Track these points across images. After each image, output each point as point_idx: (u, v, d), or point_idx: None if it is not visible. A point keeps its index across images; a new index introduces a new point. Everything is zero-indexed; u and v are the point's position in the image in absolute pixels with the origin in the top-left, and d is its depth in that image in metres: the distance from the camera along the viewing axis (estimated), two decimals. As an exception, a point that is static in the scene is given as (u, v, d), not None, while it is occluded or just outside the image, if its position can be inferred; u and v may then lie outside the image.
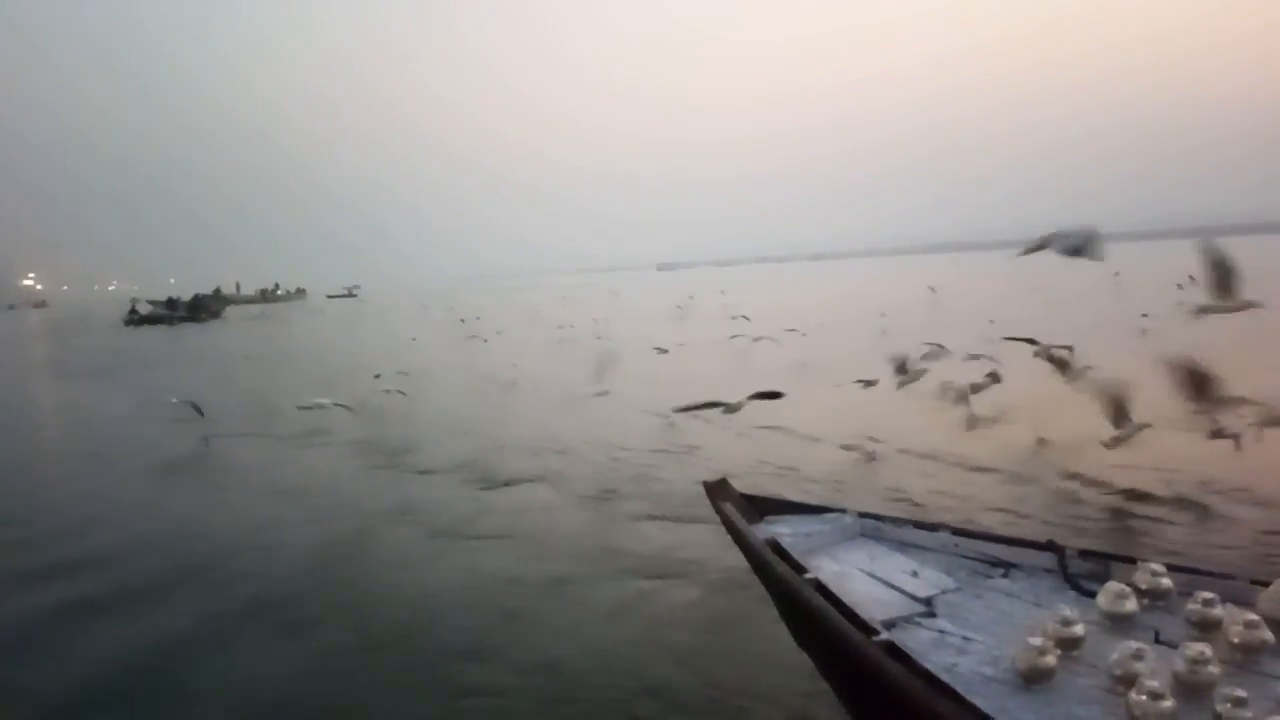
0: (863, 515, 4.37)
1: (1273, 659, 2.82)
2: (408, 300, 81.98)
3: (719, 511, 4.27)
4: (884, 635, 3.06)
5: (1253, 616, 2.91)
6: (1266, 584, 3.15)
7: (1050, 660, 2.82)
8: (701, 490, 4.56)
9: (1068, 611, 3.07)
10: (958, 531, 4.14)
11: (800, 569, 3.61)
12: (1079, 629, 3.00)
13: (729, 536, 4.22)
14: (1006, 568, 3.80)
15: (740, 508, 4.27)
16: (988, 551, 3.92)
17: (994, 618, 3.37)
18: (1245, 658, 2.85)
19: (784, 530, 4.10)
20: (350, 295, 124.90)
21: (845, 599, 3.33)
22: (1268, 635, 2.86)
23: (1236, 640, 2.87)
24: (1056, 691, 2.79)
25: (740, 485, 4.58)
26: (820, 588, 3.43)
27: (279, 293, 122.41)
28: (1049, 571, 3.70)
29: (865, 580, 3.74)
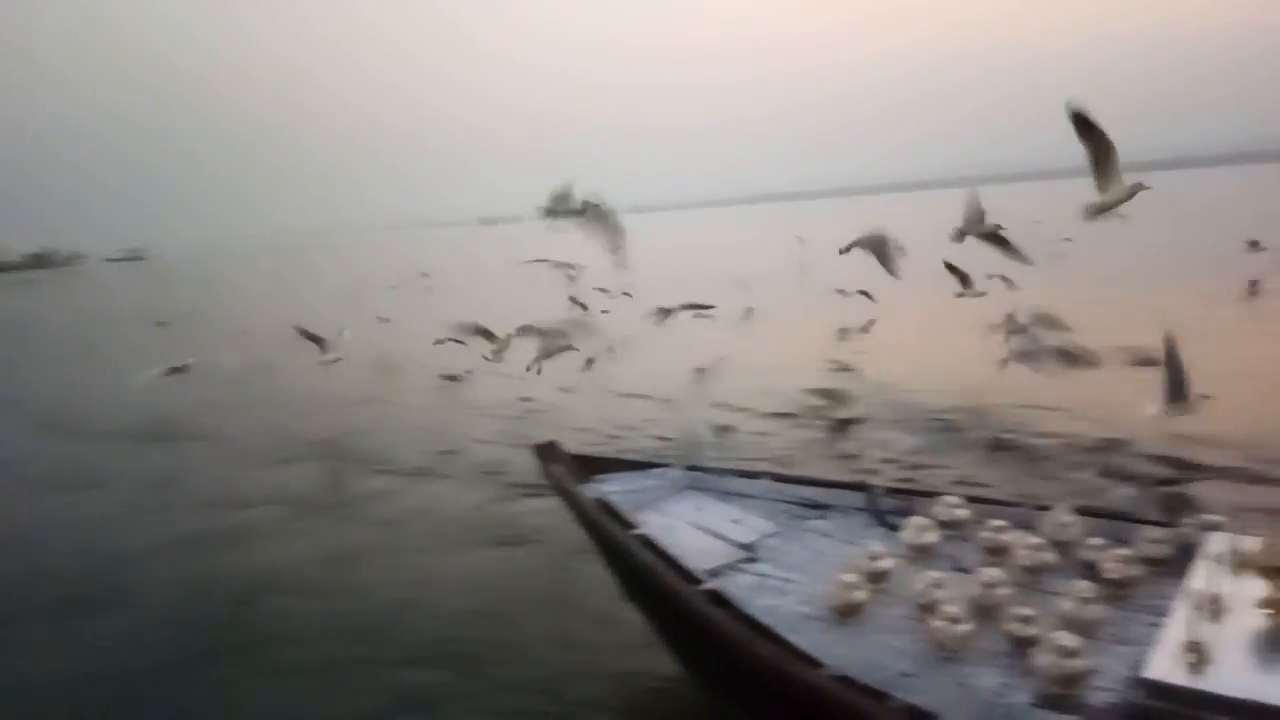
0: (689, 468, 4.47)
1: (1054, 577, 3.09)
2: (198, 267, 72.04)
3: (547, 474, 4.23)
4: (708, 584, 3.13)
5: (1037, 539, 3.18)
6: (1049, 509, 3.46)
7: (861, 595, 2.98)
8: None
9: (876, 547, 3.25)
10: (778, 477, 4.30)
11: (629, 525, 3.64)
12: (886, 563, 3.19)
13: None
14: (823, 509, 3.99)
15: (570, 468, 4.25)
16: (805, 495, 4.09)
17: (811, 558, 3.53)
18: (1031, 578, 3.12)
19: (614, 488, 4.12)
20: (135, 259, 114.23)
21: (672, 551, 3.38)
22: (1049, 556, 3.13)
23: (1023, 563, 3.13)
24: (868, 624, 2.95)
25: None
26: (648, 543, 3.47)
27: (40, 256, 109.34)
28: (861, 510, 3.91)
29: (692, 532, 3.82)
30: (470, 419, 10.02)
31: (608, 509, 3.80)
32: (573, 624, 4.75)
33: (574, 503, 3.96)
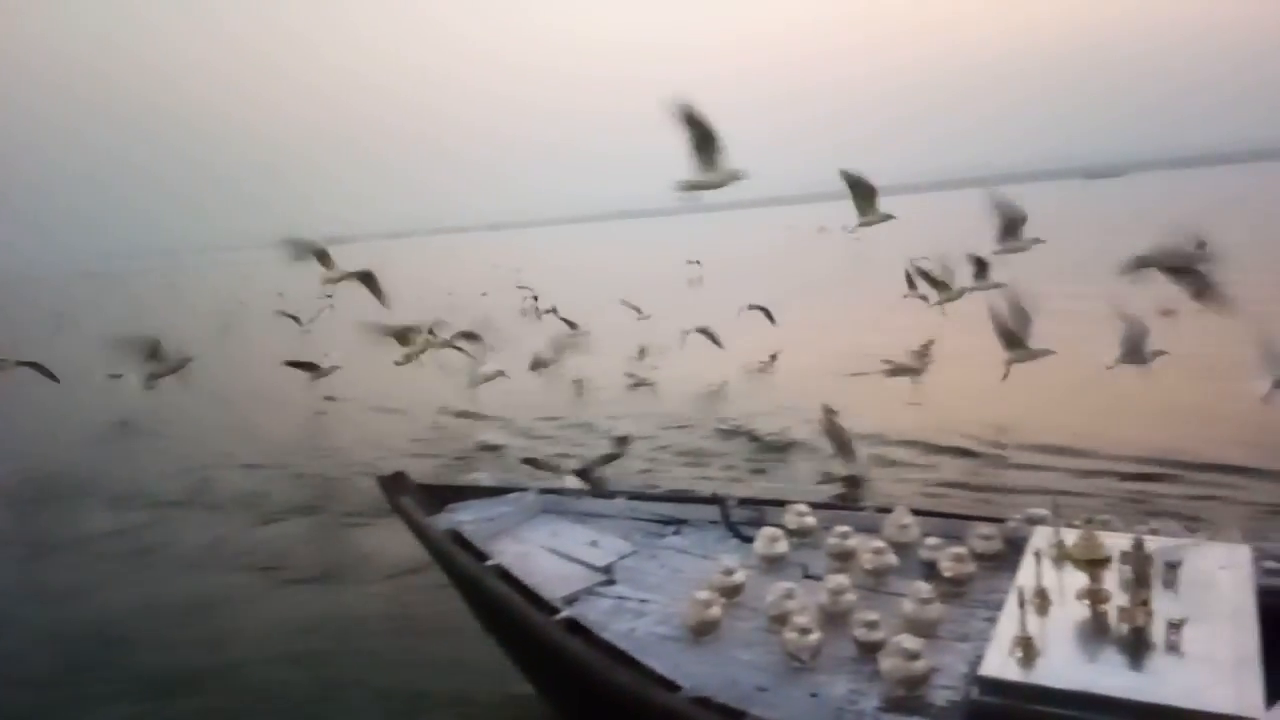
0: (544, 491, 4.39)
1: (899, 578, 3.20)
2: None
3: (395, 507, 4.06)
4: (565, 612, 3.07)
5: (880, 543, 3.28)
6: (890, 511, 3.59)
7: (715, 612, 2.99)
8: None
9: (728, 561, 3.28)
10: (634, 495, 4.29)
11: (482, 556, 3.53)
12: (739, 576, 3.21)
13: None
14: (678, 525, 4.00)
15: (419, 500, 4.09)
16: (660, 511, 4.09)
17: (668, 576, 3.52)
18: (876, 581, 3.22)
19: (466, 518, 3.99)
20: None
21: (528, 580, 3.31)
22: (893, 558, 3.24)
23: (868, 566, 3.23)
24: (723, 640, 2.97)
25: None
26: (502, 573, 3.38)
27: None
28: (715, 523, 3.94)
29: (548, 557, 3.75)
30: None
31: (460, 540, 3.68)
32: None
33: (424, 536, 3.81)
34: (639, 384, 11.01)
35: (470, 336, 8.80)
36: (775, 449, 8.14)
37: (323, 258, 7.24)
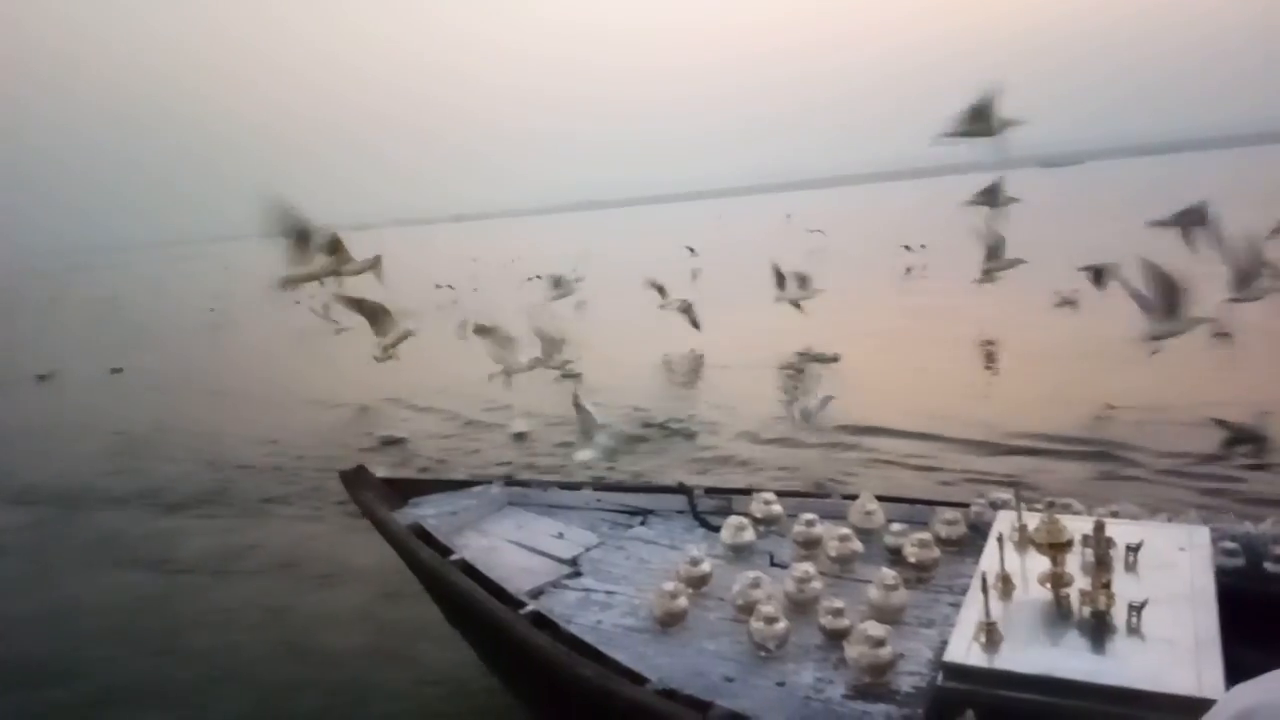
0: (509, 483, 4.36)
1: (864, 564, 3.21)
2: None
3: (358, 502, 4.00)
4: (530, 606, 3.04)
5: (845, 530, 3.29)
6: (856, 498, 3.60)
7: (682, 602, 2.97)
8: None
9: (695, 551, 3.26)
10: (599, 486, 4.27)
11: (446, 551, 3.49)
12: (706, 566, 3.20)
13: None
14: (645, 515, 3.99)
15: (381, 494, 4.04)
16: (626, 502, 4.08)
17: (634, 567, 3.51)
18: (842, 568, 3.22)
19: (429, 512, 3.95)
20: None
21: (493, 574, 3.28)
22: (858, 545, 3.25)
23: (834, 554, 3.24)
24: (690, 630, 2.95)
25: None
26: (466, 567, 3.34)
27: None
28: (681, 513, 3.93)
29: (513, 550, 3.72)
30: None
31: (422, 534, 3.63)
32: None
33: (386, 531, 3.76)
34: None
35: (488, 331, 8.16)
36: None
37: (334, 247, 5.98)
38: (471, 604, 3.15)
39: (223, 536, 6.82)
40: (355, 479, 4.08)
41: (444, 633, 3.88)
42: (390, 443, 9.13)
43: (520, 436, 8.73)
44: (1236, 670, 2.10)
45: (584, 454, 6.40)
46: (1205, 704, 2.01)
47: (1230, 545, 2.85)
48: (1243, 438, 6.14)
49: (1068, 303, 11.54)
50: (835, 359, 10.73)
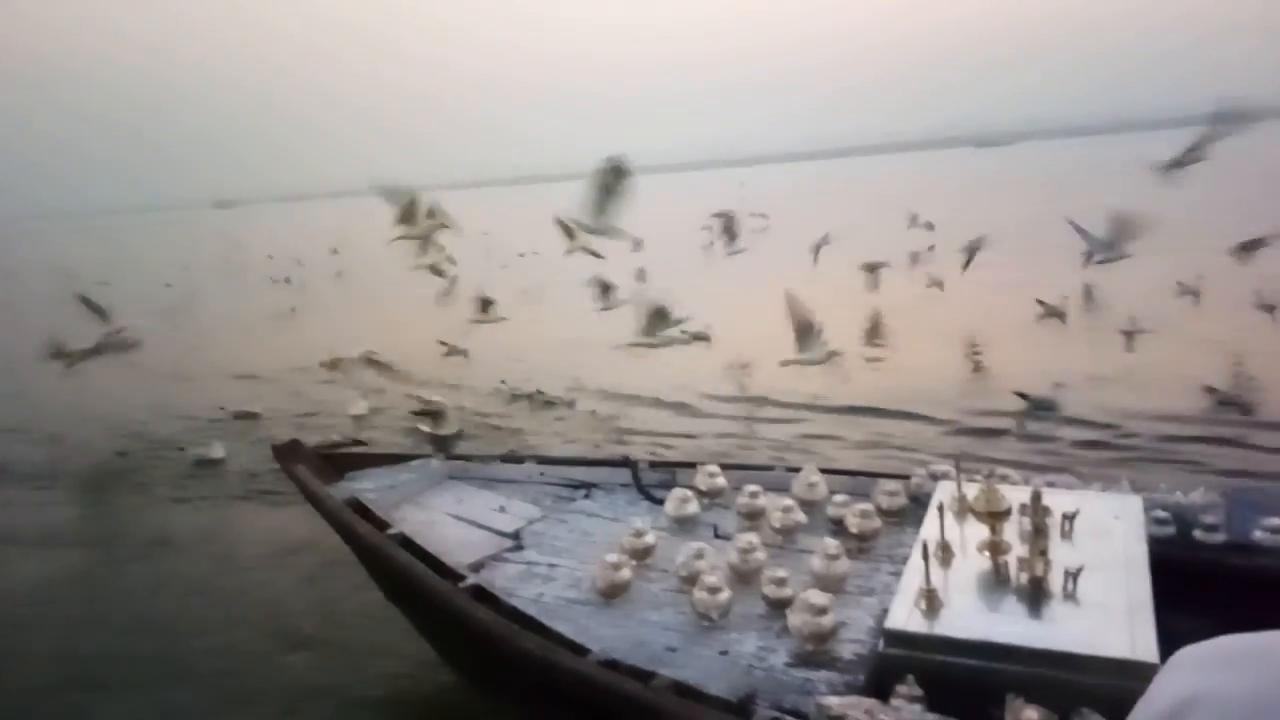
0: (450, 458, 4.28)
1: (807, 536, 3.22)
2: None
3: (291, 476, 3.88)
4: (470, 579, 2.99)
5: (788, 502, 3.30)
6: (799, 470, 3.61)
7: (625, 574, 2.95)
8: None
9: (639, 523, 3.24)
10: (543, 460, 4.21)
11: (383, 525, 3.41)
12: (649, 538, 3.18)
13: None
14: (588, 488, 3.95)
15: (315, 468, 3.92)
16: (570, 475, 4.04)
17: (577, 540, 3.47)
18: (785, 539, 3.23)
19: (366, 486, 3.85)
20: None
21: (432, 548, 3.21)
22: (801, 516, 3.26)
23: (777, 525, 3.24)
24: (633, 602, 2.93)
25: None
26: (405, 541, 3.27)
27: None
28: (626, 486, 3.90)
29: (454, 524, 3.65)
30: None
31: (360, 508, 3.54)
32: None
33: (321, 506, 3.65)
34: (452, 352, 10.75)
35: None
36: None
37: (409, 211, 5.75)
38: (410, 578, 3.08)
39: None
40: (288, 452, 3.96)
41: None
42: (243, 417, 9.12)
43: (358, 419, 8.63)
44: (1168, 636, 2.15)
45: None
46: (1138, 666, 2.06)
47: (1161, 515, 2.92)
48: (1042, 406, 6.67)
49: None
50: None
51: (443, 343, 10.71)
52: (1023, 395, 6.68)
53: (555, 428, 8.19)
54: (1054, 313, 9.50)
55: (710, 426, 7.89)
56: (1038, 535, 2.46)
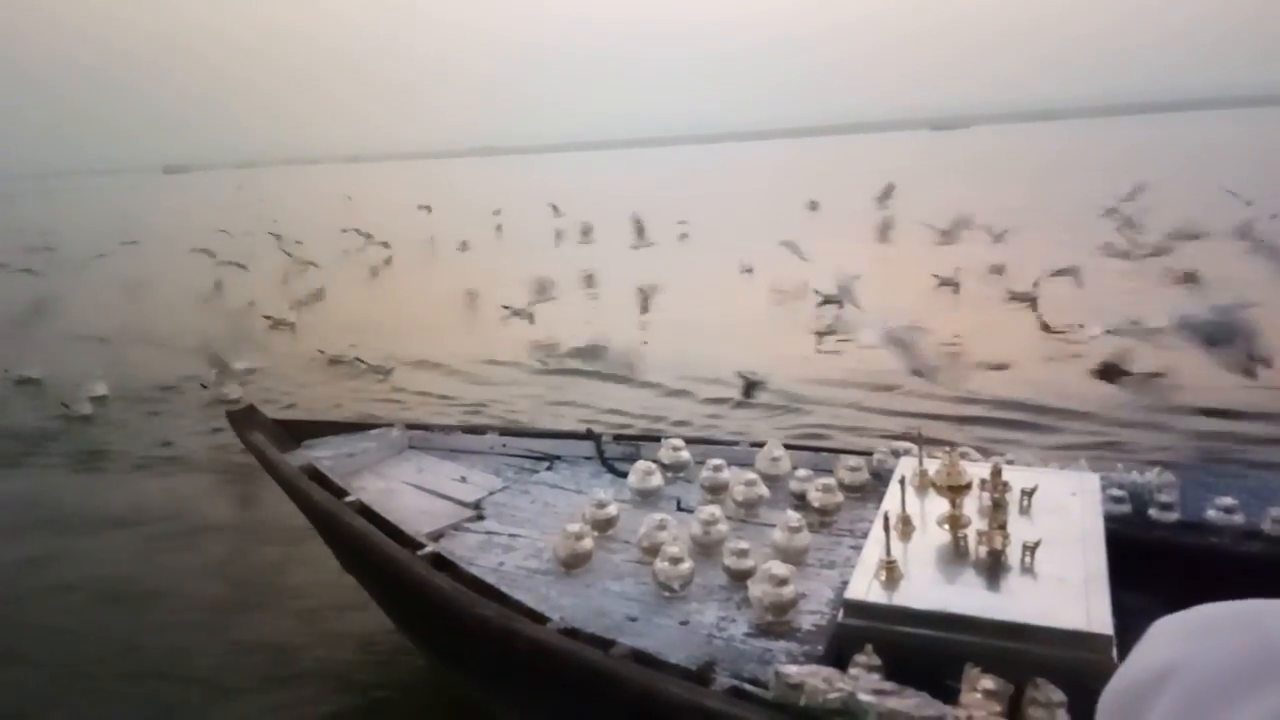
0: (410, 427, 4.23)
1: (769, 509, 3.23)
2: None
3: (246, 443, 3.81)
4: (429, 548, 2.95)
5: (752, 475, 3.29)
6: (762, 445, 3.61)
7: (587, 544, 2.93)
8: None
9: (602, 494, 3.22)
10: (505, 432, 4.17)
11: (341, 493, 3.36)
12: (612, 509, 3.17)
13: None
14: (551, 460, 3.92)
15: (272, 435, 3.86)
16: (533, 447, 4.00)
17: (539, 511, 3.45)
18: (747, 512, 3.23)
19: (324, 453, 3.80)
20: None
21: (391, 516, 3.16)
22: (763, 490, 3.26)
23: (739, 498, 3.24)
24: (594, 572, 2.91)
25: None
26: (362, 509, 3.22)
27: None
28: (589, 459, 3.88)
29: (413, 494, 3.61)
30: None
31: (316, 475, 3.49)
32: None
33: (277, 472, 3.59)
34: None
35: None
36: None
37: None
38: (367, 546, 3.04)
39: None
40: (244, 419, 3.89)
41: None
42: (24, 382, 9.23)
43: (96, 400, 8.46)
44: (1122, 610, 2.18)
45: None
46: (1093, 637, 2.08)
47: (1118, 493, 2.96)
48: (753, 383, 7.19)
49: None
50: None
51: (267, 316, 11.58)
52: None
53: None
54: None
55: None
56: (996, 510, 2.48)
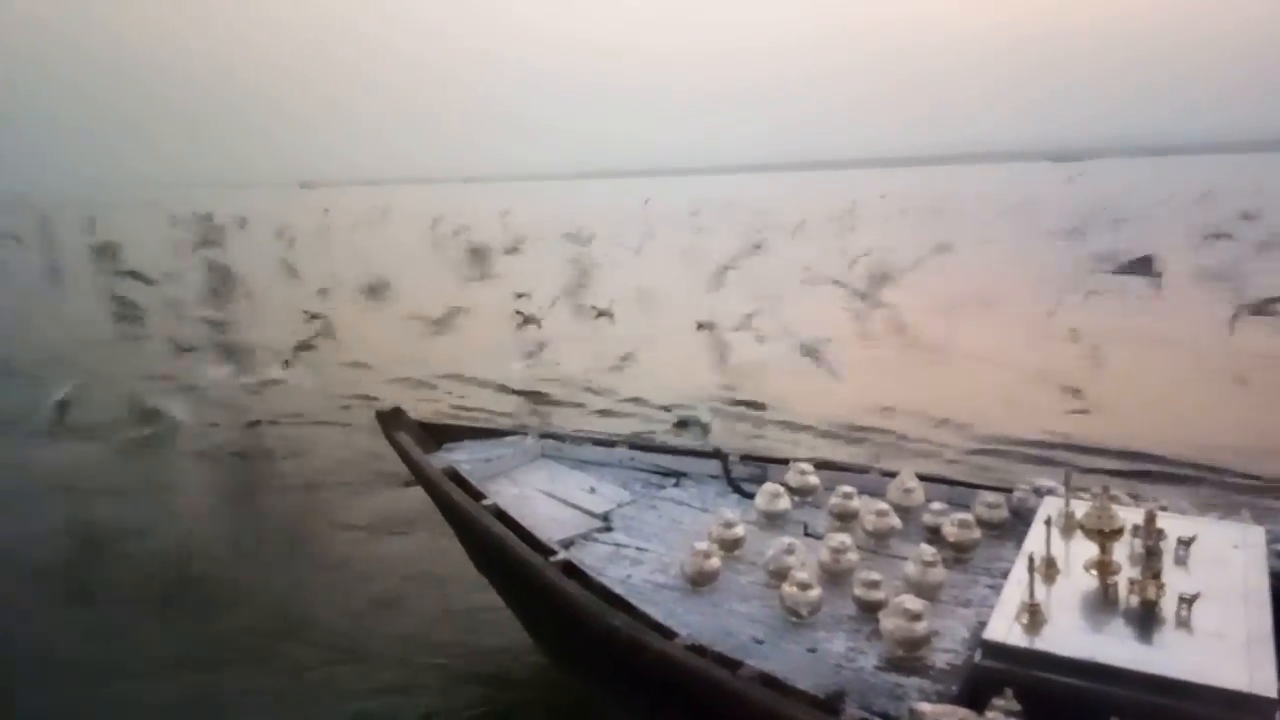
0: (544, 436, 4.34)
1: (901, 541, 3.16)
2: None
3: (393, 442, 4.01)
4: (561, 555, 3.03)
5: (883, 505, 3.23)
6: (895, 475, 3.54)
7: (714, 563, 2.94)
8: None
9: (729, 514, 3.23)
10: (634, 445, 4.24)
11: (478, 496, 3.49)
12: (739, 530, 3.17)
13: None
14: (678, 477, 3.96)
15: (416, 437, 4.04)
16: (661, 463, 4.05)
17: (666, 526, 3.48)
18: (878, 543, 3.17)
19: (462, 457, 3.95)
20: None
21: (524, 522, 3.26)
22: (895, 521, 3.19)
23: (870, 528, 3.18)
24: (720, 591, 2.92)
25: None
26: (499, 513, 3.33)
27: None
28: (715, 478, 3.89)
29: (545, 501, 3.71)
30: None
31: (456, 478, 3.63)
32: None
33: (420, 472, 3.76)
34: None
35: None
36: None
37: None
38: (503, 549, 3.14)
39: None
40: (391, 419, 4.09)
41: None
42: None
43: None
44: None
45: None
46: (1256, 700, 1.96)
47: None
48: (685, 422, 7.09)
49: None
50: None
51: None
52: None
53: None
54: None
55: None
56: (1150, 558, 2.36)
